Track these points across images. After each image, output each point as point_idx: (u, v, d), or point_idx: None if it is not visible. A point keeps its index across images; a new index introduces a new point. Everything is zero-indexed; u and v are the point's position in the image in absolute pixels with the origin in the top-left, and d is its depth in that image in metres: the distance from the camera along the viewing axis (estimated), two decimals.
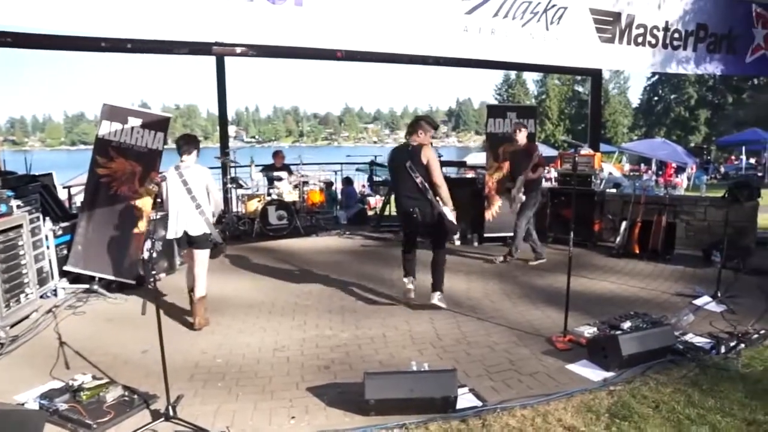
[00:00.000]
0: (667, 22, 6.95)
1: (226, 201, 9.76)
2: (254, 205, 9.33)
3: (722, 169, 30.64)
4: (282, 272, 6.95)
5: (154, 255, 3.49)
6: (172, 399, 3.29)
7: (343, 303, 5.67)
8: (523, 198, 6.94)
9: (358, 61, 8.14)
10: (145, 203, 6.07)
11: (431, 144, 5.35)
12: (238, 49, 7.55)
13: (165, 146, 6.13)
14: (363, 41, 5.32)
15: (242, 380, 3.87)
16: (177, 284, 6.34)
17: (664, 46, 7.02)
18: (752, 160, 29.26)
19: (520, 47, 6.06)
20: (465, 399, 3.46)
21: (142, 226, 6.05)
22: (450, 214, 5.15)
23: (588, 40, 6.41)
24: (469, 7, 5.65)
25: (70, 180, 11.68)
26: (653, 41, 6.91)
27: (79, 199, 7.98)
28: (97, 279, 5.99)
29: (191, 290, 5.01)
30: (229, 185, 9.65)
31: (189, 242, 4.94)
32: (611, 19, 6.51)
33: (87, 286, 5.96)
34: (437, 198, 5.12)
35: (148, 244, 3.83)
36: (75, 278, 6.08)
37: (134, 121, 6.08)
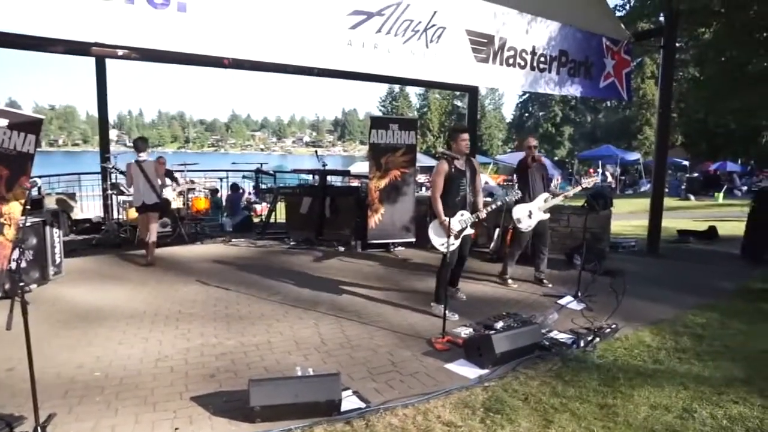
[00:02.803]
0: (534, 47, 7.59)
1: (107, 208, 9.39)
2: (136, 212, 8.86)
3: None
4: (165, 281, 6.68)
5: (23, 264, 3.22)
6: (42, 419, 3.04)
7: (228, 310, 5.56)
8: (544, 216, 6.71)
9: (246, 70, 8.03)
10: (13, 209, 5.53)
11: (452, 156, 5.58)
12: (120, 51, 7.17)
13: (38, 149, 5.64)
14: (249, 50, 5.26)
15: (122, 393, 3.67)
16: (51, 295, 5.89)
17: (532, 68, 7.66)
18: (608, 173, 32.43)
19: (402, 63, 6.29)
20: (349, 401, 3.54)
21: (9, 233, 5.49)
22: (432, 228, 5.39)
23: (465, 59, 6.82)
24: (353, 22, 5.79)
25: None
26: (522, 63, 7.51)
27: None
28: None
29: (143, 239, 7.65)
30: (109, 191, 9.11)
31: (147, 209, 7.52)
32: (485, 40, 6.98)
33: None
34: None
35: (15, 253, 3.53)
36: None
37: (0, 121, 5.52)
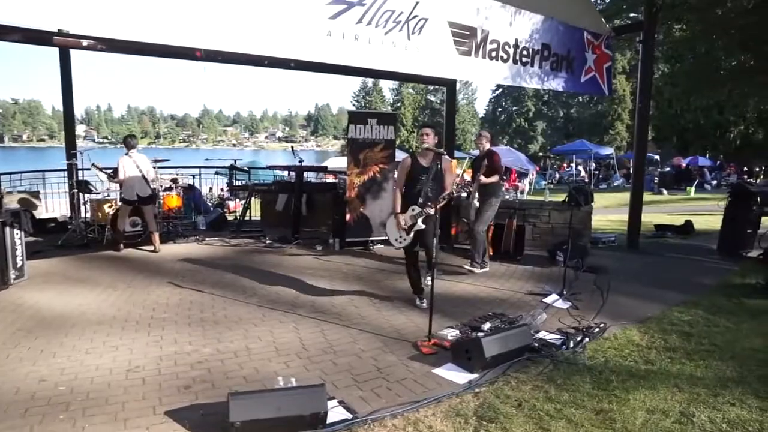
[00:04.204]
0: (516, 40, 7.46)
1: (73, 206, 9.07)
2: (105, 211, 8.56)
3: (557, 175, 34.11)
4: (136, 283, 6.37)
5: None
6: None
7: (204, 314, 5.30)
8: (477, 204, 6.94)
9: (219, 62, 7.73)
10: None
11: (414, 152, 5.69)
12: (85, 42, 6.80)
13: (0, 145, 5.31)
14: (223, 41, 5.00)
15: (90, 409, 3.39)
16: (12, 301, 5.57)
17: (515, 61, 7.53)
18: (580, 168, 32.82)
19: (383, 55, 6.09)
20: (335, 413, 3.35)
21: None
22: (388, 223, 5.62)
23: (447, 52, 6.65)
24: (333, 12, 5.57)
25: None
26: (505, 56, 7.37)
27: None
28: None
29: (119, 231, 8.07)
30: (75, 189, 8.73)
31: (140, 201, 7.91)
32: (468, 33, 6.82)
33: None
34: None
35: None
36: None
37: None
